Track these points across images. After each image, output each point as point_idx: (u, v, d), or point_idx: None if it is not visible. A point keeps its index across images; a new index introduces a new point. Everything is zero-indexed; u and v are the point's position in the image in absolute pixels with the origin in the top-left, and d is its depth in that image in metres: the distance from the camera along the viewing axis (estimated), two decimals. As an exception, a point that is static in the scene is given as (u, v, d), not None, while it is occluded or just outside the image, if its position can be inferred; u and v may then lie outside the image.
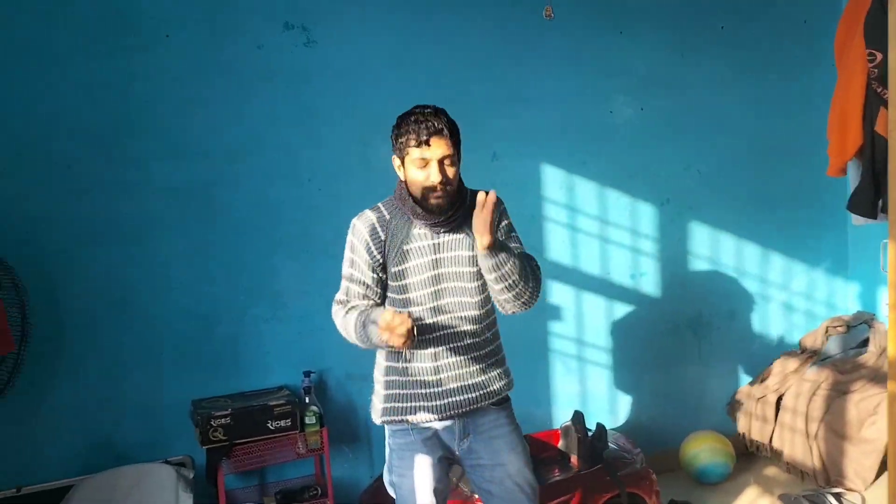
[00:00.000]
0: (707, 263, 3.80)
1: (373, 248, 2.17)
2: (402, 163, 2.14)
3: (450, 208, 2.13)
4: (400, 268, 2.16)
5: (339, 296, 2.24)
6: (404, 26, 3.23)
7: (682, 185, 3.72)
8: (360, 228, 2.19)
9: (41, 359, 2.81)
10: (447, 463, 2.30)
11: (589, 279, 3.62)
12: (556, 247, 3.55)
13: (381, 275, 2.19)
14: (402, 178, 2.17)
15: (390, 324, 1.95)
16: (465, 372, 2.22)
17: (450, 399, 2.20)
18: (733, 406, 3.84)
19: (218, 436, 2.86)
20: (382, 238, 2.17)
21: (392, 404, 2.24)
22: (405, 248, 2.16)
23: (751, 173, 3.81)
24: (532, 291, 2.16)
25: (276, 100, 3.09)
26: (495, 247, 2.06)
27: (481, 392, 2.23)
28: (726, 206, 3.79)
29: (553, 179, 3.52)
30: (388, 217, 2.19)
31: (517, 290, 2.11)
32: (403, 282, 2.17)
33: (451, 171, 2.11)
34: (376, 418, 2.28)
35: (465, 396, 2.21)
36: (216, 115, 3.01)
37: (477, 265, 2.16)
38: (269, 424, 2.94)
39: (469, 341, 2.22)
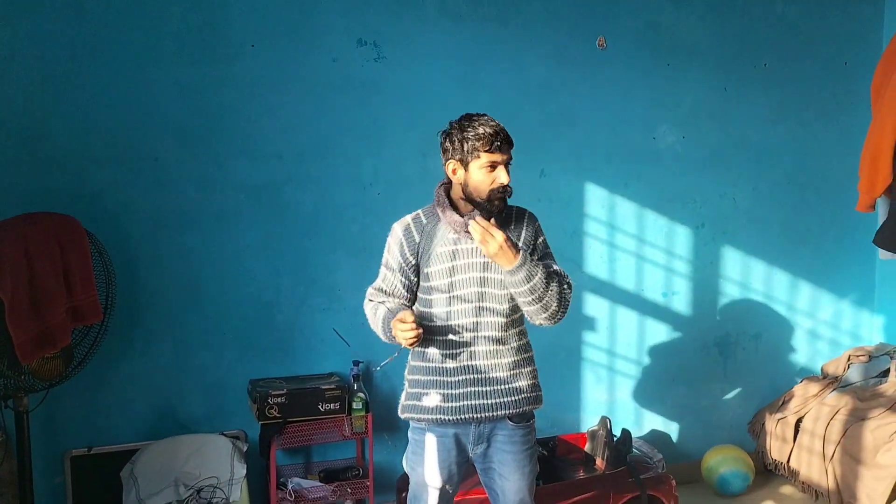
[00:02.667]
0: (737, 287, 3.99)
1: (406, 251, 2.33)
2: (465, 166, 2.26)
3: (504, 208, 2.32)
4: (430, 269, 2.32)
5: (371, 291, 2.42)
6: (467, 50, 3.48)
7: (718, 211, 3.91)
8: (397, 231, 2.37)
9: (119, 331, 3.08)
10: (460, 464, 2.40)
11: (623, 294, 3.83)
12: (595, 261, 3.77)
13: (410, 276, 2.35)
14: (460, 182, 2.28)
15: (400, 327, 2.17)
16: (484, 376, 2.32)
17: (465, 402, 2.30)
18: (755, 425, 4.01)
19: (273, 413, 3.12)
20: (417, 241, 2.33)
21: (412, 402, 2.39)
22: (439, 250, 2.31)
23: (785, 205, 4.00)
24: (557, 309, 2.28)
25: (346, 110, 3.35)
26: (519, 265, 2.21)
27: (496, 401, 2.32)
28: (759, 234, 3.98)
29: (595, 198, 3.74)
30: (424, 222, 2.36)
31: (541, 303, 2.25)
32: (432, 283, 2.33)
33: (510, 175, 2.29)
34: (400, 413, 2.44)
35: (480, 402, 2.31)
36: (291, 120, 3.28)
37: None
38: (319, 406, 3.19)
39: (491, 347, 2.32)
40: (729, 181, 3.91)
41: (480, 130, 2.23)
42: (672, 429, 3.97)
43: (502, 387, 2.34)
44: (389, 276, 2.39)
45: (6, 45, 2.93)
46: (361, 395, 3.28)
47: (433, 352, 2.35)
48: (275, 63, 3.24)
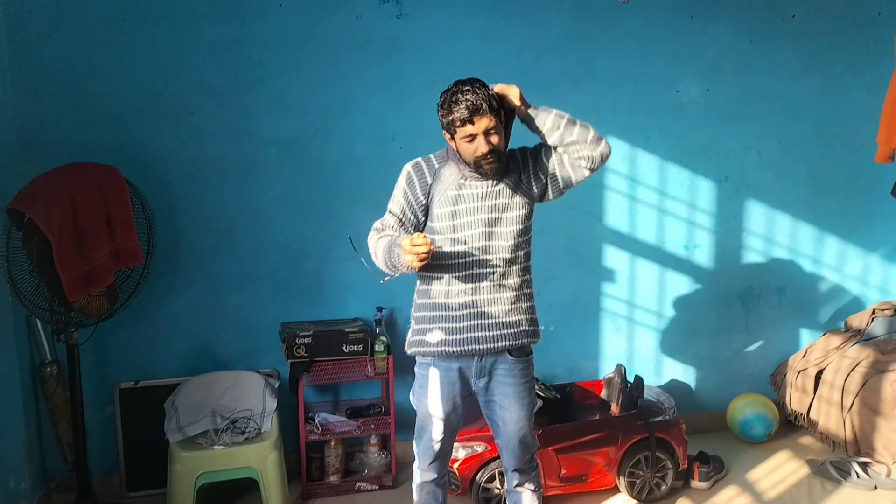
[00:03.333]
0: (761, 241, 4.00)
1: (417, 190, 2.46)
2: (452, 137, 2.40)
3: (501, 171, 2.41)
4: (436, 211, 2.45)
5: (377, 224, 2.52)
6: (488, 4, 3.56)
7: (742, 164, 3.92)
8: (409, 171, 2.50)
9: (160, 274, 3.34)
10: (463, 397, 2.55)
11: (644, 247, 3.90)
12: (615, 214, 3.84)
13: (418, 215, 2.47)
14: (454, 148, 2.43)
15: (413, 241, 2.25)
16: (485, 311, 2.46)
17: (468, 335, 2.45)
18: (776, 377, 4.05)
19: (300, 352, 3.35)
20: (428, 181, 2.46)
21: (418, 337, 2.55)
22: (448, 193, 2.44)
23: (812, 158, 3.98)
24: (592, 130, 2.40)
25: (369, 66, 3.49)
26: (525, 102, 2.38)
27: (496, 333, 2.46)
28: (785, 188, 3.98)
29: (616, 151, 3.75)
30: (436, 165, 2.49)
31: (575, 129, 2.38)
32: (435, 224, 2.45)
33: (495, 140, 2.35)
34: (406, 349, 2.60)
35: (482, 334, 2.46)
36: (316, 77, 3.45)
37: (515, 224, 2.44)
38: (343, 347, 3.40)
39: (493, 285, 2.46)
40: (754, 134, 3.91)
41: (454, 110, 2.32)
42: (692, 379, 4.04)
43: (502, 320, 2.48)
44: (397, 212, 2.50)
45: (53, 8, 3.16)
46: (383, 338, 3.47)
47: (437, 290, 2.50)
48: (301, 22, 3.40)
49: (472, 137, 2.35)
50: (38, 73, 3.16)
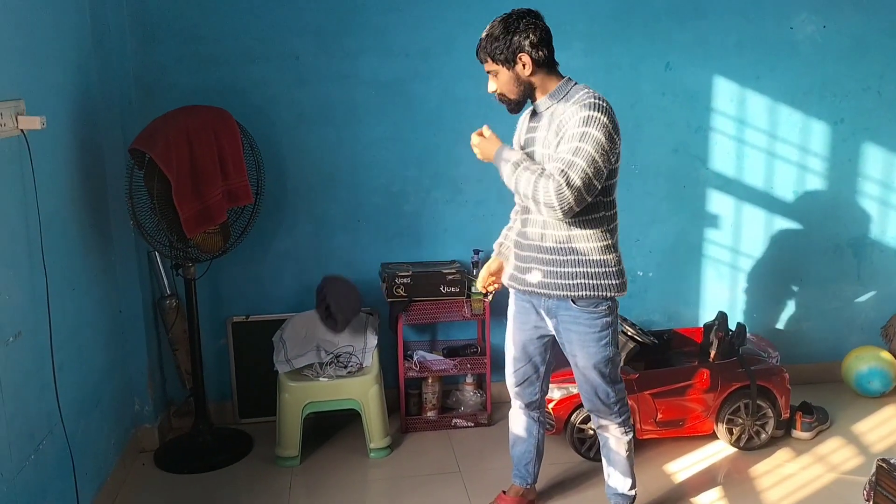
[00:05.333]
0: (878, 186, 3.80)
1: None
2: None
3: (516, 107, 2.48)
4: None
5: None
6: (589, -62, 3.46)
7: (860, 105, 3.71)
8: None
9: (269, 213, 3.46)
10: (539, 328, 2.58)
11: (751, 192, 3.76)
12: (721, 158, 3.71)
13: None
14: None
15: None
16: (534, 256, 2.46)
17: (519, 275, 2.54)
18: (888, 329, 3.87)
19: (400, 292, 3.44)
20: (518, 128, 2.64)
21: (509, 270, 2.65)
22: (522, 136, 2.57)
23: (940, 98, 3.72)
24: (533, 197, 2.25)
25: (468, 7, 3.45)
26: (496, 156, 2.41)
27: (544, 281, 2.44)
28: (907, 130, 3.74)
29: (724, 92, 3.65)
30: (523, 113, 2.61)
31: (519, 192, 2.34)
32: None
33: (492, 85, 2.46)
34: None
35: (527, 277, 2.50)
36: (416, 18, 3.45)
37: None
38: (441, 288, 3.47)
39: (538, 230, 2.44)
40: (874, 73, 3.68)
41: None
42: (797, 328, 3.92)
43: (547, 268, 2.45)
44: None
45: (168, -44, 3.29)
46: (480, 280, 3.51)
47: (519, 224, 2.57)
48: (402, -37, 3.41)
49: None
50: (154, 19, 3.30)
